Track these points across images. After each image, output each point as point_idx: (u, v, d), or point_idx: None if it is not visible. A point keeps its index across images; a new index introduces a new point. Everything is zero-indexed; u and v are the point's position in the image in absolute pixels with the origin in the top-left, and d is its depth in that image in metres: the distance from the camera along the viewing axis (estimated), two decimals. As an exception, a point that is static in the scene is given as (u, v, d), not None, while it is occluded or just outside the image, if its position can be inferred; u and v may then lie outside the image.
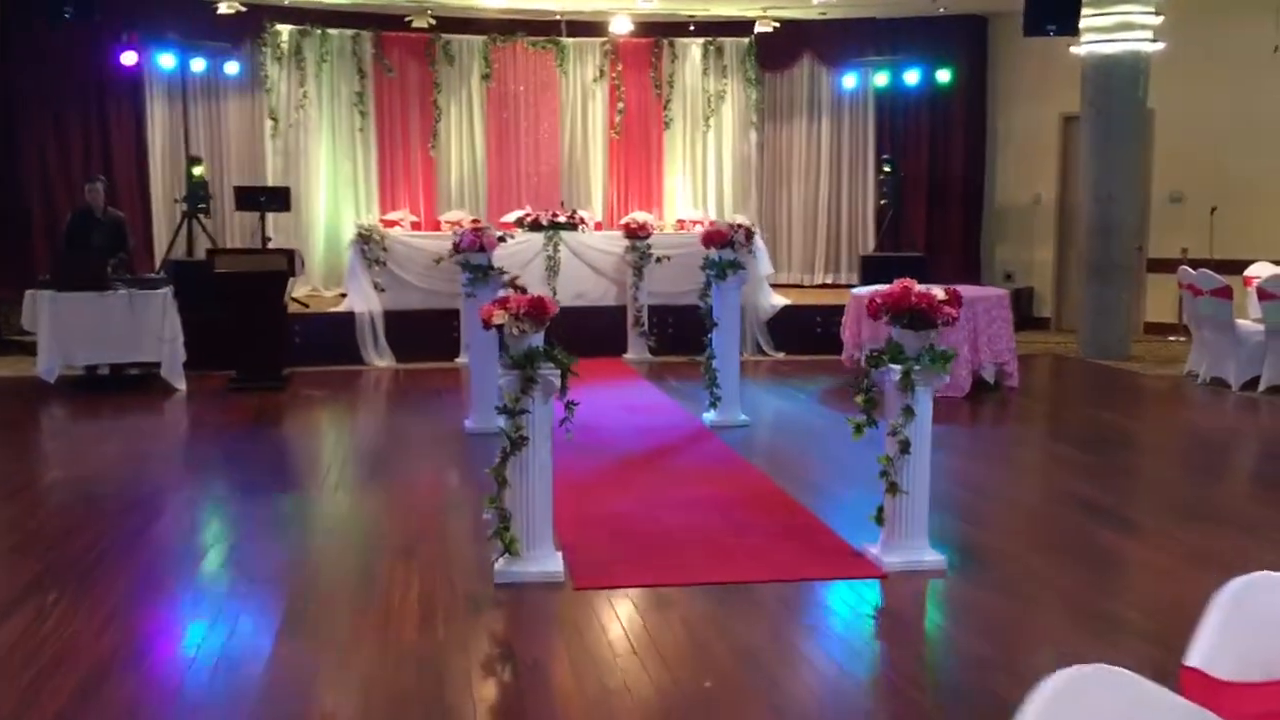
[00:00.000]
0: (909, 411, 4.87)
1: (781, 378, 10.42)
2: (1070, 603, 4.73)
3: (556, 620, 4.46)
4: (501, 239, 7.65)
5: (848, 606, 4.63)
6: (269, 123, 13.07)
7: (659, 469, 6.92)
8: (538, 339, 4.77)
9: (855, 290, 9.89)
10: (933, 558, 4.97)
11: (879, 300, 4.90)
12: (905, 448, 4.89)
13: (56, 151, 12.30)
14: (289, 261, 9.37)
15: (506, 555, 4.76)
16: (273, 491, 6.40)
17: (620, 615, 4.48)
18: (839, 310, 11.79)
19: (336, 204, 13.38)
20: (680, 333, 11.61)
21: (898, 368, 4.85)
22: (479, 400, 7.73)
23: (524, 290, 4.88)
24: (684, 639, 4.25)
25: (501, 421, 4.78)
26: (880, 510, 5.01)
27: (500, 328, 4.74)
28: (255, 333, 9.43)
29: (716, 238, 7.92)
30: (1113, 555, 5.30)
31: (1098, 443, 8.00)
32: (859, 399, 5.01)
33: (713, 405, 8.04)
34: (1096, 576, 5.04)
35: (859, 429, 4.99)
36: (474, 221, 11.14)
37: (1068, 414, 9.06)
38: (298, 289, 13.09)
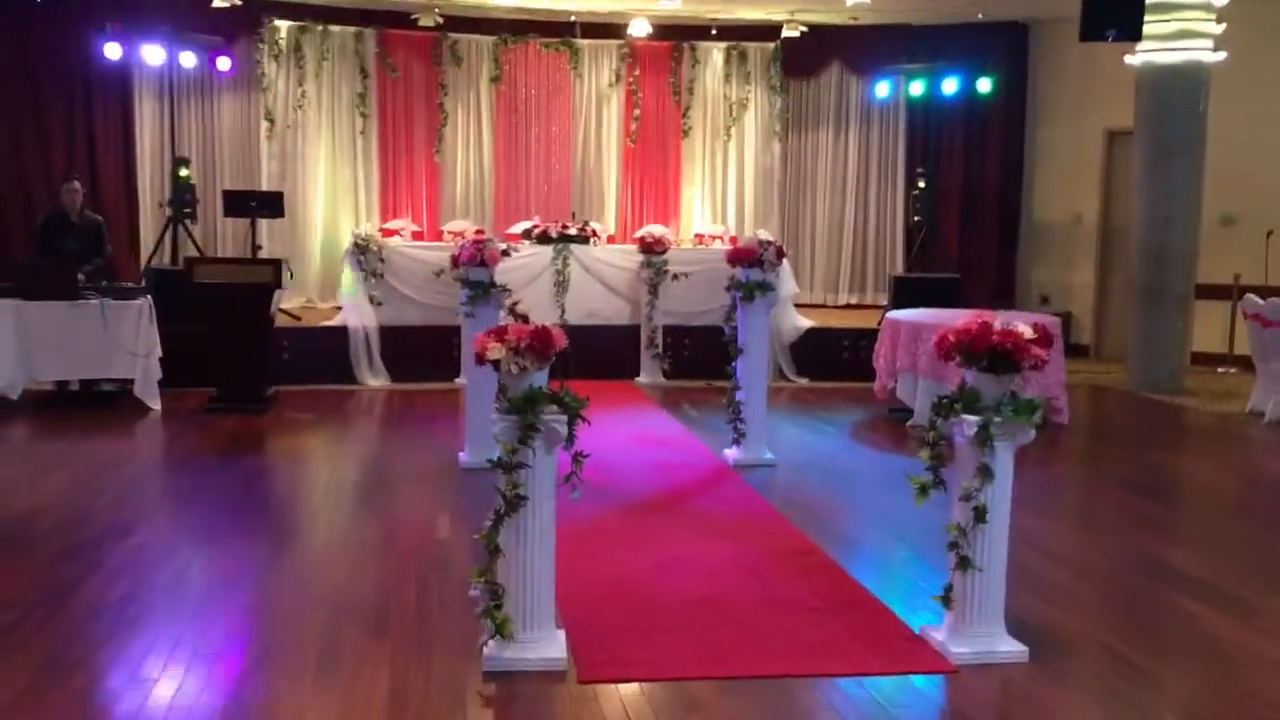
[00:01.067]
0: (986, 472, 4.05)
1: (807, 407, 9.59)
2: (1176, 703, 3.90)
3: (557, 723, 3.65)
4: (505, 252, 6.86)
5: (910, 711, 3.80)
6: (265, 124, 12.32)
7: (678, 518, 6.09)
8: (541, 377, 3.96)
9: (891, 314, 9.07)
10: (1010, 648, 4.14)
11: (952, 339, 4.08)
12: (981, 516, 4.07)
13: (35, 146, 11.56)
14: (274, 272, 8.57)
15: (498, 638, 3.95)
16: (232, 540, 5.59)
17: (635, 718, 3.66)
18: (867, 334, 11.00)
19: (335, 211, 12.62)
20: (697, 355, 10.83)
21: (974, 419, 4.02)
22: (476, 431, 6.92)
23: (526, 318, 4.06)
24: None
25: (498, 480, 3.97)
26: (948, 590, 4.18)
27: (496, 364, 3.93)
28: (236, 349, 8.64)
29: (744, 255, 7.11)
30: (1218, 642, 4.46)
31: (1169, 493, 7.16)
32: (924, 455, 4.19)
33: (736, 441, 7.22)
34: (1202, 670, 4.21)
35: (923, 490, 4.17)
36: (477, 232, 10.38)
37: (1128, 457, 8.21)
38: (290, 300, 12.35)
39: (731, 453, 7.26)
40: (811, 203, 13.70)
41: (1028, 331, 4.00)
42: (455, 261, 6.93)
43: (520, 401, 3.93)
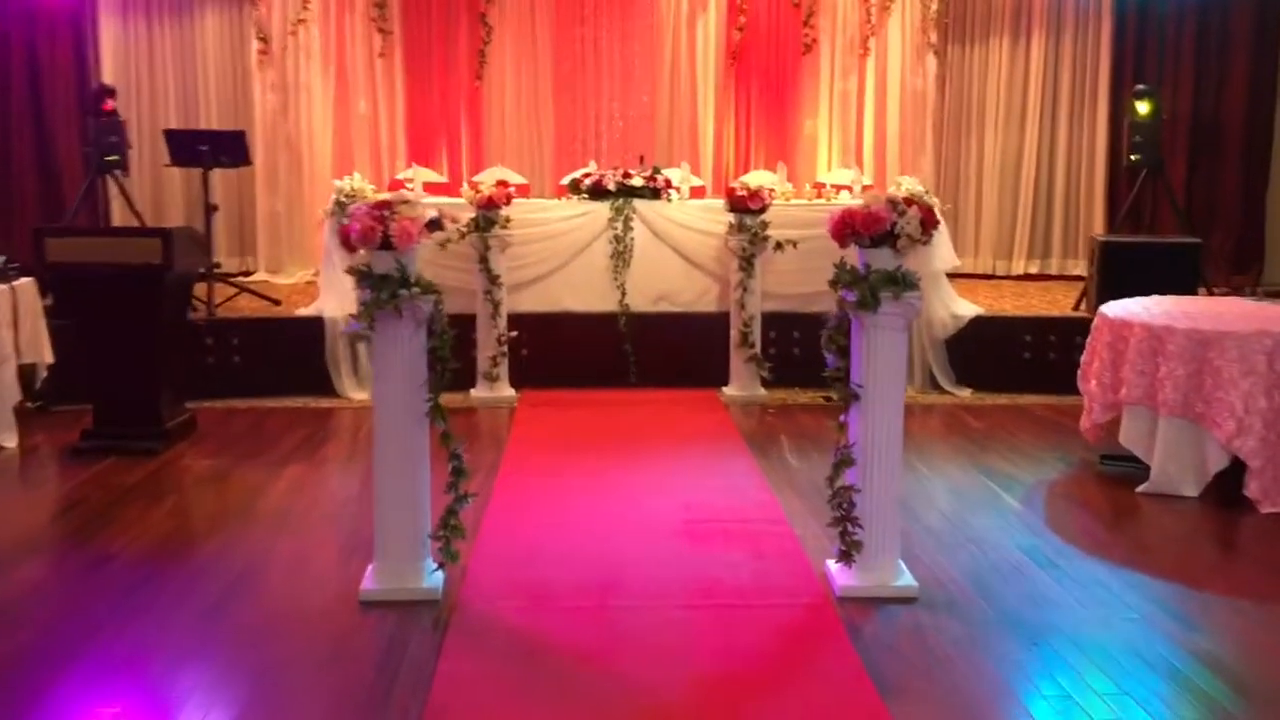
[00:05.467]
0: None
1: (971, 447, 6.31)
2: None
3: None
4: (435, 224, 3.78)
5: None
6: (257, 43, 9.56)
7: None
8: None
9: (1111, 309, 5.70)
10: None
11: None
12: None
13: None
14: (165, 248, 5.75)
15: None
16: None
17: None
18: (1058, 325, 7.66)
19: (347, 156, 9.78)
20: (810, 356, 7.61)
21: None
22: (389, 538, 4.00)
23: None
24: None
25: None
26: None
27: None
28: (111, 360, 5.91)
29: (861, 224, 3.91)
30: None
31: None
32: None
33: (846, 553, 4.06)
34: None
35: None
36: (500, 184, 7.40)
37: None
38: (290, 274, 9.68)
39: (839, 572, 4.12)
40: (978, 138, 10.22)
41: None
42: (345, 239, 3.92)
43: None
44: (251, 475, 5.75)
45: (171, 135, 8.09)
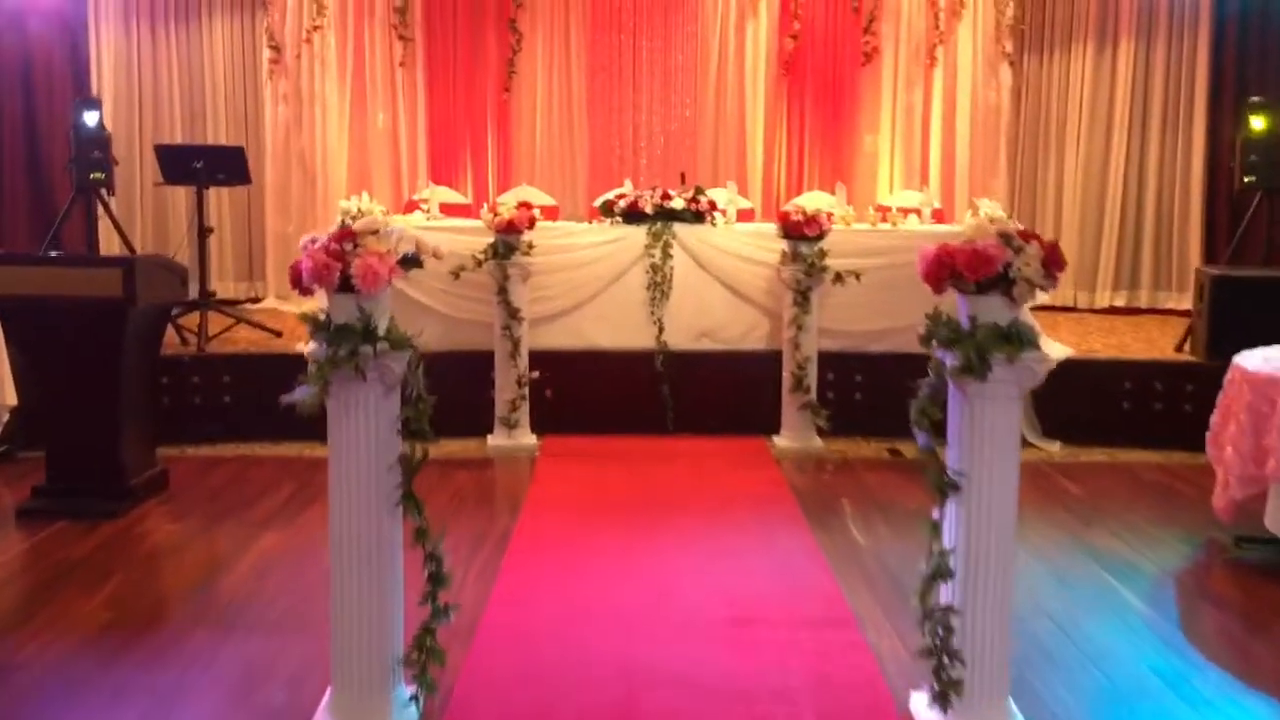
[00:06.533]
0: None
1: (1073, 518, 5.31)
2: None
3: None
4: (410, 260, 2.92)
5: None
6: (268, 53, 8.81)
7: None
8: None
9: (1248, 360, 4.70)
10: None
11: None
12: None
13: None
14: (126, 280, 4.93)
15: None
16: None
17: None
18: (1163, 370, 6.66)
19: (364, 173, 9.00)
20: (874, 401, 6.73)
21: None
22: (349, 661, 3.11)
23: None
24: None
25: None
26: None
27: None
28: (72, 408, 5.10)
29: (965, 265, 2.97)
30: None
31: None
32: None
33: (943, 694, 3.10)
34: None
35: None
36: (521, 206, 6.55)
37: None
38: (303, 303, 8.85)
39: (932, 716, 3.16)
40: (1057, 156, 9.24)
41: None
42: (295, 279, 3.04)
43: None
44: (218, 545, 4.90)
45: (163, 151, 7.32)
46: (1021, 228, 3.10)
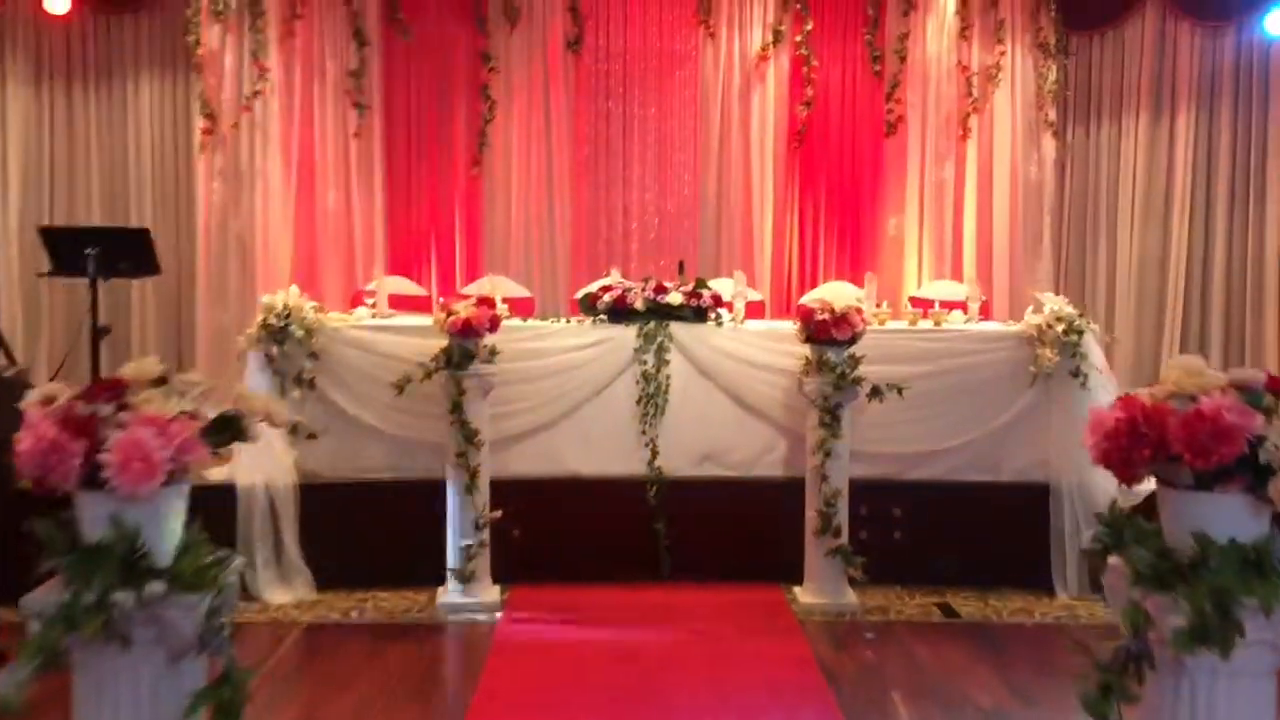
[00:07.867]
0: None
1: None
2: None
3: None
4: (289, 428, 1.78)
5: None
6: (201, 122, 7.63)
7: None
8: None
9: None
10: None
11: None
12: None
13: None
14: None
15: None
16: None
17: None
18: None
19: (311, 261, 7.78)
20: (917, 539, 5.45)
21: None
22: None
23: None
24: None
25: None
26: None
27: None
28: None
29: (1185, 440, 1.68)
30: None
31: None
32: None
33: None
34: None
35: None
36: (479, 303, 5.33)
37: None
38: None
39: None
40: (1109, 238, 8.07)
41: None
42: (19, 467, 1.77)
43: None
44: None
45: (49, 234, 6.08)
46: (1269, 373, 1.83)
